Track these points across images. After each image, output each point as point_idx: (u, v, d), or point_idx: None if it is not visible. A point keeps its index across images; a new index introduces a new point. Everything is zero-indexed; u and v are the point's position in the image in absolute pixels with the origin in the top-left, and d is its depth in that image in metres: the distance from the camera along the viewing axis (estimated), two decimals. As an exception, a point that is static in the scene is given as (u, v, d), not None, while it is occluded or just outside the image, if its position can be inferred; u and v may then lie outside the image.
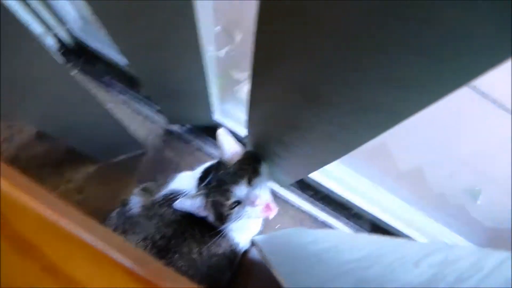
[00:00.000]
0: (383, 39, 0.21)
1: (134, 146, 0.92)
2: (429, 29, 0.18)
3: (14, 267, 0.20)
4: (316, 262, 0.40)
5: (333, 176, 0.89)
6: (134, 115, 0.97)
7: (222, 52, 0.95)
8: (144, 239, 0.65)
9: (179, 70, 0.64)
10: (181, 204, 0.63)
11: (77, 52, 1.00)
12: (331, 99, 0.30)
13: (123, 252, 0.20)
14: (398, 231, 0.87)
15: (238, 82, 0.94)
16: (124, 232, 0.68)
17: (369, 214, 0.88)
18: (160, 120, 0.96)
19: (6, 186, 0.20)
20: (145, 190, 0.78)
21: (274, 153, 0.60)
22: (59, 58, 0.52)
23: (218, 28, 0.95)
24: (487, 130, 0.90)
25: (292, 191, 0.91)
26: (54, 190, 0.89)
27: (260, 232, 0.79)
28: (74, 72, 0.96)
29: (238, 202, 0.63)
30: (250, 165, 0.65)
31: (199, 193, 0.64)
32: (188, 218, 0.67)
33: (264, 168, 0.67)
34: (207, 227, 0.68)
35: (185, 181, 0.74)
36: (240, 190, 0.62)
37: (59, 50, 0.98)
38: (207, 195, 0.64)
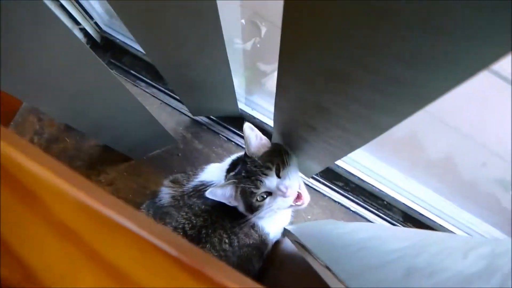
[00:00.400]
0: (407, 18, 0.22)
1: (166, 140, 0.92)
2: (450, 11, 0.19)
3: (58, 253, 0.20)
4: (360, 249, 0.40)
5: (363, 167, 0.90)
6: (163, 107, 0.99)
7: (249, 45, 0.95)
8: (175, 228, 0.66)
9: (202, 62, 0.64)
10: (213, 193, 0.63)
11: (104, 46, 1.01)
12: (358, 76, 0.30)
13: (166, 240, 0.20)
14: (431, 220, 0.88)
15: (264, 74, 0.94)
16: None
17: (400, 204, 0.88)
18: (189, 112, 0.97)
19: (48, 175, 0.20)
20: (174, 182, 0.78)
21: (302, 139, 0.60)
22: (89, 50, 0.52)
23: (244, 21, 0.95)
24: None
25: (323, 182, 0.92)
26: None
27: (291, 223, 0.80)
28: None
29: (268, 193, 0.64)
30: (278, 157, 0.65)
31: (229, 182, 0.65)
32: (218, 208, 0.68)
33: (293, 159, 0.68)
34: (236, 218, 0.68)
35: (214, 172, 0.75)
36: (270, 181, 0.63)
37: (87, 44, 0.99)
38: (236, 184, 0.64)
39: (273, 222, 0.72)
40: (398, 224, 0.90)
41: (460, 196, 0.90)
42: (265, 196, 0.63)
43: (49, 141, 0.95)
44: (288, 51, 0.36)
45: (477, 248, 0.31)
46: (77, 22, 0.93)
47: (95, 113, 0.67)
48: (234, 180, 0.64)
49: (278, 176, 0.64)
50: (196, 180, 0.75)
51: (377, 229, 0.52)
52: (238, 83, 0.96)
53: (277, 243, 0.78)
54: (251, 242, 0.69)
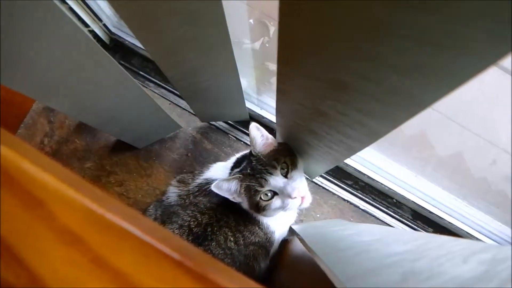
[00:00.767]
0: (404, 28, 0.22)
1: (171, 127, 0.93)
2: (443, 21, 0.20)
3: (63, 259, 0.20)
4: (361, 252, 0.41)
5: (373, 165, 0.90)
6: (172, 107, 1.00)
7: (257, 44, 0.96)
8: (181, 226, 0.67)
9: (208, 68, 0.64)
10: (218, 186, 0.64)
11: (113, 48, 1.03)
12: (357, 85, 0.31)
13: (169, 243, 0.20)
14: (440, 218, 0.88)
15: (273, 73, 0.95)
16: (163, 223, 0.70)
17: (410, 202, 0.89)
18: None
19: (53, 181, 0.21)
20: (180, 181, 0.80)
21: (304, 142, 0.61)
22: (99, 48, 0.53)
23: (252, 20, 0.97)
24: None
25: (332, 180, 0.93)
26: (96, 183, 0.92)
27: (300, 221, 0.82)
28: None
29: (274, 193, 0.64)
30: (286, 157, 0.66)
31: (234, 176, 0.65)
32: (223, 206, 0.69)
33: (299, 160, 0.68)
34: (241, 216, 0.69)
35: (219, 170, 0.76)
36: (275, 180, 0.63)
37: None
38: (241, 180, 0.65)
39: (278, 220, 0.73)
40: (407, 222, 0.90)
41: (470, 193, 0.90)
42: (270, 195, 0.64)
43: (59, 143, 0.96)
44: (285, 60, 0.37)
45: (478, 254, 0.31)
46: (85, 24, 0.94)
47: (104, 107, 0.68)
48: (239, 175, 0.65)
49: (286, 176, 0.64)
50: (201, 178, 0.76)
51: (383, 232, 0.52)
52: (247, 83, 0.97)
53: (286, 242, 0.78)
54: (256, 240, 0.69)
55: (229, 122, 0.97)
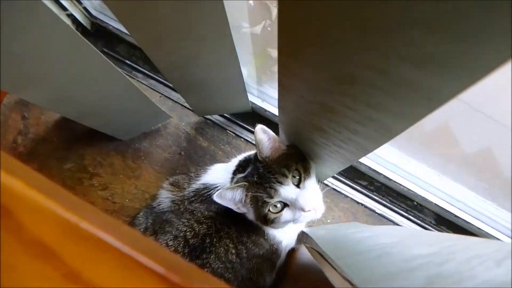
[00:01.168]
0: (414, 18, 0.22)
1: (159, 117, 0.90)
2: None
3: (33, 274, 0.19)
4: (380, 255, 0.40)
5: (390, 163, 0.87)
6: (163, 100, 0.96)
7: (258, 29, 0.93)
8: (175, 237, 0.64)
9: (204, 56, 0.62)
10: (221, 195, 0.61)
11: (96, 34, 1.00)
12: (366, 77, 0.30)
13: (152, 256, 0.20)
14: (467, 223, 0.85)
15: (276, 61, 0.91)
16: (155, 233, 0.67)
17: (432, 204, 0.86)
18: None
19: (21, 187, 0.20)
20: (174, 184, 0.76)
21: (310, 141, 0.59)
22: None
23: (252, 2, 0.95)
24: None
25: (345, 181, 0.90)
26: (76, 186, 0.89)
27: (308, 227, 0.78)
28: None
29: (284, 204, 0.61)
30: (297, 163, 0.63)
31: (239, 184, 0.62)
32: (223, 214, 0.67)
33: (312, 166, 0.65)
34: (244, 225, 0.67)
35: (219, 174, 0.73)
36: (286, 191, 0.61)
37: (76, 32, 0.96)
38: (247, 189, 0.62)
39: (285, 229, 0.70)
40: (430, 228, 0.87)
41: (501, 194, 0.87)
42: (280, 207, 0.61)
43: (35, 141, 0.93)
44: (287, 49, 0.35)
45: None
46: (63, 7, 0.91)
47: (85, 99, 0.66)
48: (244, 183, 0.62)
49: (298, 186, 0.62)
50: (198, 182, 0.73)
51: (403, 233, 0.51)
52: (247, 72, 0.95)
53: (292, 251, 0.77)
54: (261, 252, 0.67)
55: (227, 116, 0.95)
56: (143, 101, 0.76)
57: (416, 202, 0.89)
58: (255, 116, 0.92)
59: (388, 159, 0.88)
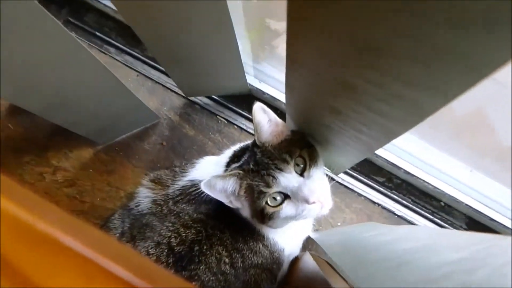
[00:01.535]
0: None
1: (144, 117, 0.87)
2: None
3: None
4: (401, 264, 0.39)
5: (412, 156, 0.84)
6: (141, 80, 0.92)
7: None
8: (158, 244, 0.62)
9: (194, 25, 0.60)
10: (210, 184, 0.58)
11: (59, 1, 0.93)
12: (394, 44, 0.29)
13: (123, 263, 0.20)
14: (504, 227, 0.80)
15: (276, 33, 0.88)
16: (133, 240, 0.65)
17: (463, 205, 0.82)
18: (177, 88, 0.91)
19: None
20: (155, 181, 0.73)
21: (324, 126, 0.57)
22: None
23: None
24: None
25: (358, 177, 0.86)
26: (37, 183, 0.85)
27: (315, 232, 0.76)
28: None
29: (285, 196, 0.59)
30: (301, 149, 0.61)
31: (232, 172, 0.60)
32: (215, 217, 0.65)
33: (320, 155, 0.63)
34: (240, 229, 0.65)
35: (209, 168, 0.71)
36: (287, 179, 0.58)
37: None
38: (241, 178, 0.60)
39: (288, 233, 0.68)
40: None
41: None
42: (279, 199, 0.59)
43: None
44: (300, 13, 0.34)
45: None
46: None
47: (48, 88, 0.63)
48: (239, 171, 0.60)
49: (302, 175, 0.60)
50: (185, 179, 0.70)
51: (430, 235, 0.50)
52: (241, 47, 0.92)
53: (295, 260, 0.74)
54: (259, 262, 0.65)
55: (218, 99, 0.91)
56: (122, 93, 0.73)
57: (444, 203, 0.85)
58: (251, 99, 0.91)
59: (410, 151, 0.84)
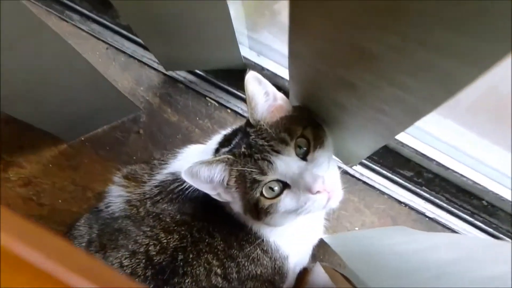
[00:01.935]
0: None
1: (120, 108, 0.83)
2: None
3: None
4: (438, 276, 0.38)
5: (446, 144, 0.79)
6: (111, 54, 0.86)
7: None
8: (133, 254, 0.59)
9: None
10: (192, 172, 0.55)
11: None
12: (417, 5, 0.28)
13: (87, 275, 0.19)
14: None
15: None
16: (103, 249, 0.62)
17: (510, 205, 0.75)
18: (158, 64, 0.87)
19: None
20: (129, 178, 0.70)
21: (335, 105, 0.54)
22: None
23: None
24: None
25: (379, 171, 0.81)
26: None
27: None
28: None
29: (284, 185, 0.56)
30: (304, 128, 0.58)
31: (219, 158, 0.57)
32: (203, 218, 0.62)
33: (328, 135, 0.60)
34: (234, 233, 0.62)
35: (194, 158, 0.67)
36: (285, 163, 0.54)
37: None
38: (231, 164, 0.57)
39: (294, 237, 0.66)
40: (506, 238, 0.78)
41: None
42: (277, 189, 0.55)
43: None
44: None
45: None
46: None
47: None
48: (228, 156, 0.58)
49: (304, 159, 0.56)
50: (165, 172, 0.68)
51: (470, 244, 0.49)
52: (234, 14, 0.85)
53: (304, 272, 0.71)
54: (258, 272, 0.62)
55: (207, 76, 0.86)
56: (93, 77, 0.70)
57: (486, 202, 0.80)
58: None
59: (444, 139, 0.79)
